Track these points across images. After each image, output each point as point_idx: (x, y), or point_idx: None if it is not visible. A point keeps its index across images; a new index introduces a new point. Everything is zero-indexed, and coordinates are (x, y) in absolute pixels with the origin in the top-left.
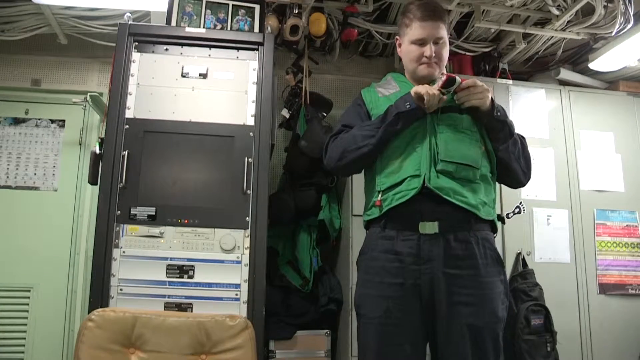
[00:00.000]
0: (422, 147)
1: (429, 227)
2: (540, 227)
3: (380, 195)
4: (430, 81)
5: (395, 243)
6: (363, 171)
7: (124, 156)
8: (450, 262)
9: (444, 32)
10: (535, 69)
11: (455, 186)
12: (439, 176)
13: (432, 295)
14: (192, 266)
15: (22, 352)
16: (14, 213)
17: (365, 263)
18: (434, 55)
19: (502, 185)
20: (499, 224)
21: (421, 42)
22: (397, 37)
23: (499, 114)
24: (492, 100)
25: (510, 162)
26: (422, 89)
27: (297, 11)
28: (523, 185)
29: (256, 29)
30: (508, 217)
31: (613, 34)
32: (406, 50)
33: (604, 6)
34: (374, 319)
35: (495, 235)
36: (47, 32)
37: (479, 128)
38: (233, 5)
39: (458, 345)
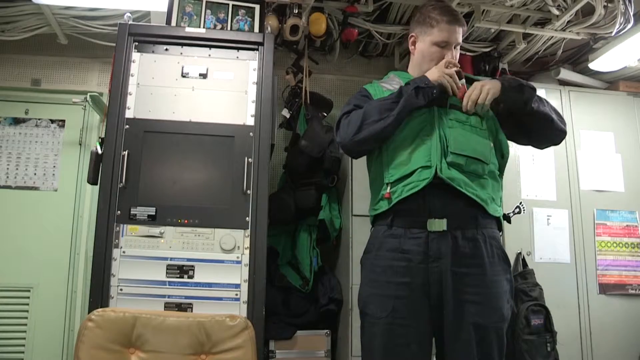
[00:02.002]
0: (431, 138)
1: (437, 225)
2: (540, 227)
3: (389, 187)
4: None
5: (403, 241)
6: (367, 166)
7: (124, 156)
8: (458, 261)
9: (461, 38)
10: (535, 69)
11: (465, 178)
12: (450, 168)
13: (440, 294)
14: (192, 266)
15: (22, 352)
16: (14, 213)
17: (370, 262)
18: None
19: (502, 185)
20: (504, 222)
21: (444, 45)
22: (412, 34)
23: (510, 83)
24: (500, 82)
25: (549, 113)
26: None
27: (297, 11)
28: (565, 134)
29: (256, 29)
30: (508, 216)
31: (613, 34)
32: (426, 50)
33: (604, 6)
34: (380, 319)
35: (500, 233)
36: (47, 32)
37: (487, 125)
38: (233, 5)
39: (464, 344)
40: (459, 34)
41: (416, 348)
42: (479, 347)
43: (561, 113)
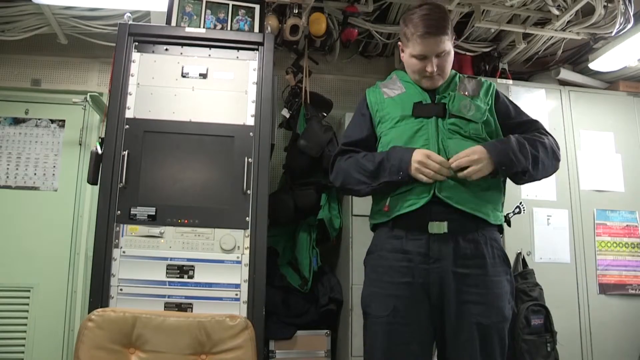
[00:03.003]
0: None
1: (438, 227)
2: (540, 227)
3: (388, 200)
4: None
5: (404, 242)
6: None
7: (124, 156)
8: (459, 262)
9: (446, 45)
10: (535, 69)
11: (464, 193)
12: (450, 182)
13: (441, 294)
14: (192, 266)
15: (22, 352)
16: (14, 213)
17: (373, 262)
18: (435, 70)
19: (505, 189)
20: (504, 224)
21: (422, 58)
22: (399, 42)
23: (503, 168)
24: (494, 164)
25: (538, 178)
26: (427, 173)
27: (297, 11)
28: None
29: (256, 29)
30: (508, 217)
31: (613, 34)
32: (408, 61)
33: (604, 6)
34: (381, 317)
35: (501, 235)
36: (47, 32)
37: (487, 134)
38: (233, 5)
39: (466, 344)
40: (439, 44)
41: (417, 347)
42: (481, 348)
43: (562, 115)
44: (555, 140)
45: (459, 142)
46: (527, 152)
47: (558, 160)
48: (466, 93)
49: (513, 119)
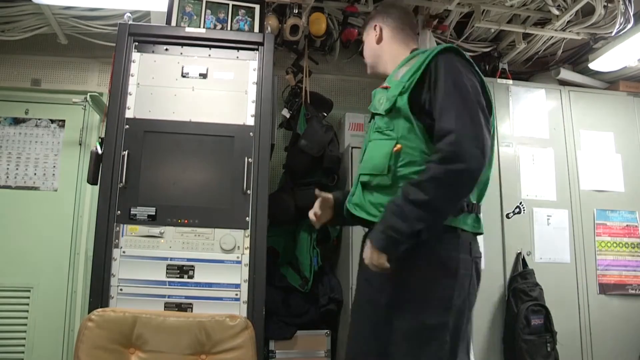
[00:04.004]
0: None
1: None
2: (540, 227)
3: None
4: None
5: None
6: None
7: (124, 156)
8: (362, 264)
9: (363, 36)
10: (535, 69)
11: (362, 199)
12: (357, 190)
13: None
14: (192, 266)
15: (22, 352)
16: (14, 213)
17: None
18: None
19: (502, 185)
20: (505, 222)
21: None
22: None
23: (391, 251)
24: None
25: (445, 217)
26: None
27: (297, 11)
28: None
29: (256, 29)
30: (508, 217)
31: (613, 34)
32: None
33: (604, 6)
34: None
35: (454, 236)
36: (47, 32)
37: (395, 125)
38: (233, 5)
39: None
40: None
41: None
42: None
43: (562, 115)
44: (456, 151)
45: (371, 144)
46: (410, 211)
47: (456, 176)
48: (385, 85)
49: (430, 114)
